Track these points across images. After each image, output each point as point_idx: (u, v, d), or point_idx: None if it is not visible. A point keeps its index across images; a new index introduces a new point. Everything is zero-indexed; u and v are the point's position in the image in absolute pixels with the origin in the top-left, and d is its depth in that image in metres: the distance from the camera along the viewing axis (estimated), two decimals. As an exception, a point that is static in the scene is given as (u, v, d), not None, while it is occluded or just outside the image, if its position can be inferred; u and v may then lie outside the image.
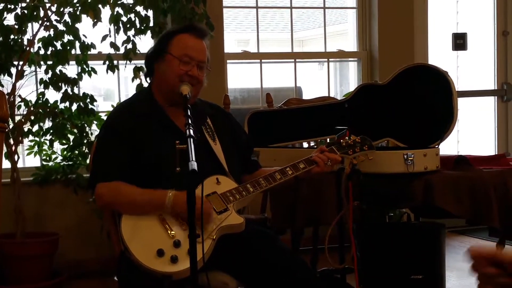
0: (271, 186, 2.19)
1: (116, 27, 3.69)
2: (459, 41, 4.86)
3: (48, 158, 3.87)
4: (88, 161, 3.63)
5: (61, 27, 3.58)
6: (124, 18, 3.68)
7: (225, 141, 2.26)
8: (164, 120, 2.20)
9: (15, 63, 3.56)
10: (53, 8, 3.55)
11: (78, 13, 3.55)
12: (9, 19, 3.54)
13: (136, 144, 2.14)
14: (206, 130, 2.24)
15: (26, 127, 3.65)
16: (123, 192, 2.09)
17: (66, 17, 3.56)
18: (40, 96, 3.67)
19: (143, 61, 3.75)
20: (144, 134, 2.15)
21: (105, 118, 3.88)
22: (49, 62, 3.61)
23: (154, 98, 2.23)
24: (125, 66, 3.80)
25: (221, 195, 2.12)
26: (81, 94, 3.71)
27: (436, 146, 2.64)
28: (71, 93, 3.64)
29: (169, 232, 2.03)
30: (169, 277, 1.97)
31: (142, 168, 2.12)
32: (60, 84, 3.61)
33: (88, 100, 3.68)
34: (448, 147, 3.47)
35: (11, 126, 3.53)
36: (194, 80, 2.17)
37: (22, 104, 3.64)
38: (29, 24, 3.63)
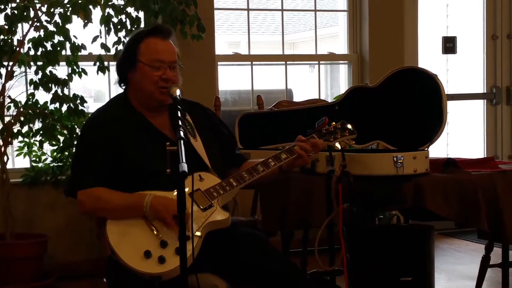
0: (254, 179, 2.18)
1: (107, 28, 3.68)
2: (449, 45, 4.89)
3: (37, 159, 3.85)
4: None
5: (51, 27, 3.56)
6: (115, 19, 3.67)
7: (206, 136, 2.26)
8: (142, 123, 2.20)
9: (5, 63, 3.54)
10: (44, 9, 3.53)
11: (68, 13, 3.54)
12: (-1, 19, 3.53)
13: (115, 149, 2.14)
14: (186, 127, 2.23)
15: (15, 128, 3.63)
16: (103, 198, 2.09)
17: (57, 18, 3.55)
18: (30, 97, 3.65)
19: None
20: (123, 138, 2.16)
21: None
22: (39, 63, 3.60)
23: (130, 102, 2.24)
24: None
25: (205, 191, 2.12)
26: (71, 95, 3.70)
27: (426, 149, 2.66)
28: (61, 94, 3.63)
29: (155, 232, 2.04)
30: (158, 278, 1.97)
31: (123, 172, 2.12)
32: (50, 85, 3.60)
33: (78, 101, 3.67)
34: (438, 150, 3.49)
35: (0, 127, 3.52)
36: (170, 82, 2.17)
37: (12, 105, 3.62)
38: (19, 25, 3.61)
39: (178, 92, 2.13)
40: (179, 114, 2.01)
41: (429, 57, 4.83)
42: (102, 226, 2.16)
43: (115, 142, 2.14)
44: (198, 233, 2.03)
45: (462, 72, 5.06)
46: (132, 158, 2.13)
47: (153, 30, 2.26)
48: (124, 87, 2.29)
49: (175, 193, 1.78)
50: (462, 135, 5.07)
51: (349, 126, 2.36)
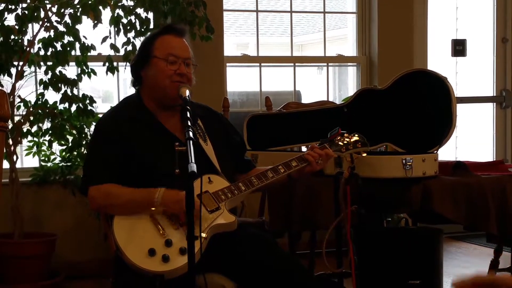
0: (263, 184, 2.19)
1: (116, 29, 3.69)
2: (459, 47, 4.87)
3: (46, 159, 3.86)
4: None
5: (61, 28, 3.58)
6: (124, 20, 3.68)
7: (217, 141, 2.27)
8: (154, 124, 2.22)
9: (15, 63, 3.56)
10: (54, 9, 3.55)
11: (78, 14, 3.55)
12: (10, 20, 3.54)
13: (127, 148, 2.15)
14: (197, 131, 2.25)
15: (25, 128, 3.64)
16: (114, 194, 2.10)
17: (67, 18, 3.56)
18: (40, 97, 3.67)
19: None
20: (135, 138, 2.17)
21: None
22: (49, 63, 3.61)
23: (143, 103, 2.25)
24: (125, 68, 3.80)
25: (213, 194, 2.13)
26: (80, 95, 3.71)
27: (435, 152, 2.65)
28: (70, 94, 3.64)
29: (160, 231, 2.04)
30: (161, 277, 1.97)
31: (134, 172, 2.14)
32: (59, 85, 3.61)
33: (88, 101, 3.68)
34: (447, 152, 3.48)
35: (10, 127, 3.53)
36: (185, 77, 2.19)
37: (22, 104, 3.64)
38: (30, 25, 3.63)
39: (187, 92, 2.14)
40: (189, 115, 2.01)
41: (438, 60, 4.82)
42: (109, 223, 2.17)
43: (127, 141, 2.16)
44: (203, 235, 2.02)
45: (471, 75, 5.04)
46: (143, 158, 2.14)
47: (167, 28, 2.29)
48: (137, 88, 2.30)
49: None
50: (471, 138, 5.05)
51: (361, 138, 2.34)
